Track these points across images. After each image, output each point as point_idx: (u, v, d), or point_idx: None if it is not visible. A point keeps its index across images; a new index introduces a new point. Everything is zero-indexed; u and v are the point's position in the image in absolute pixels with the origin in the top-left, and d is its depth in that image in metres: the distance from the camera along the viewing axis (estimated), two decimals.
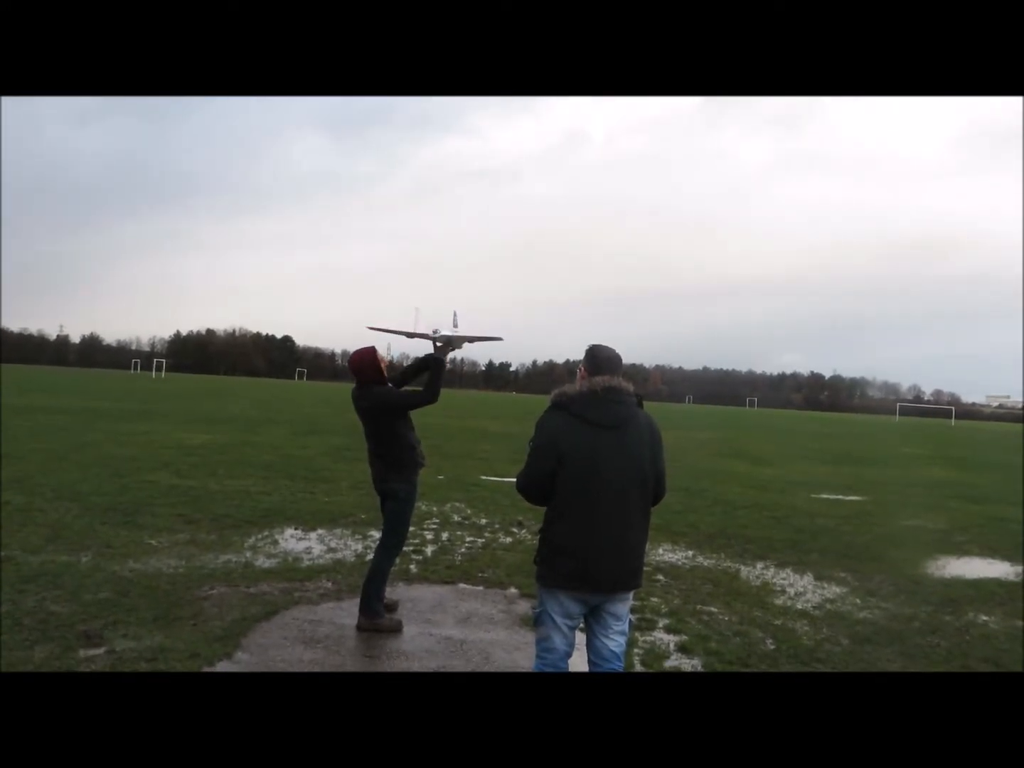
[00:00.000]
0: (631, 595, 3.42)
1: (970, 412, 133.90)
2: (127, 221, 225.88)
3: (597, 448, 3.14)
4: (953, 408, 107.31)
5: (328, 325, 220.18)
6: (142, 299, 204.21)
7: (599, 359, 3.30)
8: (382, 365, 5.29)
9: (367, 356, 5.27)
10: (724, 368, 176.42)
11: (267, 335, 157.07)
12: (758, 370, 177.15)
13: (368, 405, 5.24)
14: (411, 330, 5.17)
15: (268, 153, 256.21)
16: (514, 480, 3.43)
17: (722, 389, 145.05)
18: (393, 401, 5.27)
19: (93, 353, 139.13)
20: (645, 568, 7.00)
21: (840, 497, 13.46)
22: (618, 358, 3.35)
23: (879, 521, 11.04)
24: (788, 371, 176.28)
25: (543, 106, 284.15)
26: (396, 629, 5.20)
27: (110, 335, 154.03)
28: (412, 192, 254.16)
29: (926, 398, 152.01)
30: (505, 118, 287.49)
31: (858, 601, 6.60)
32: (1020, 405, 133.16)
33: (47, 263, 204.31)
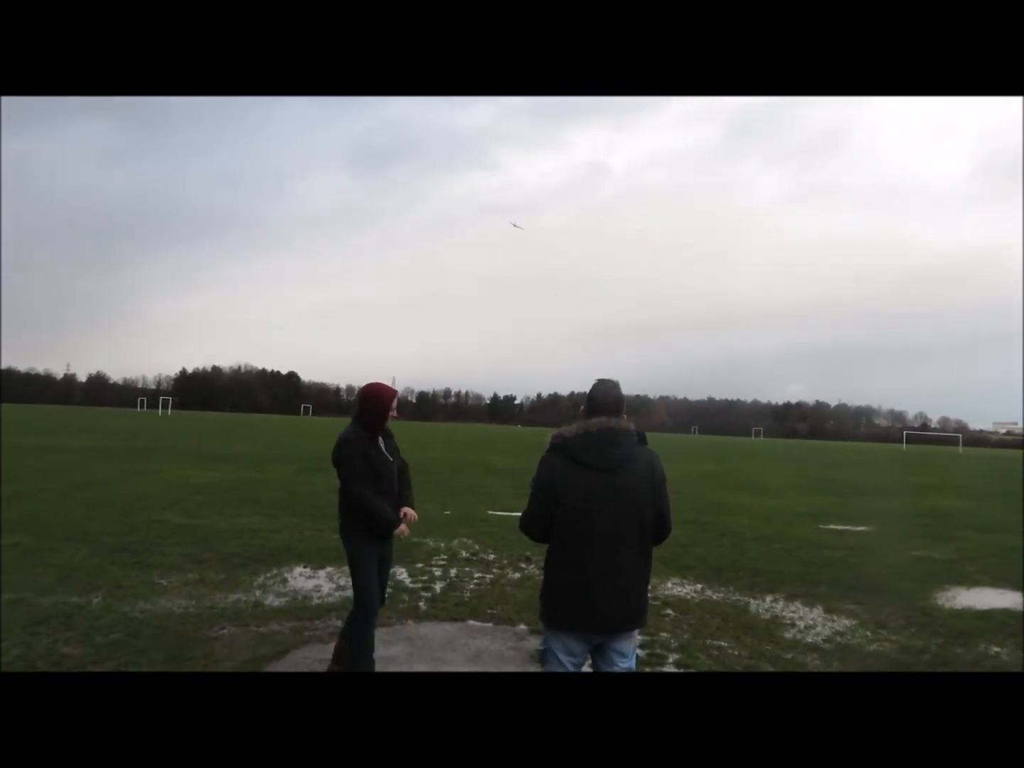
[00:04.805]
0: (636, 632, 3.43)
1: (977, 439, 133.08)
2: (139, 260, 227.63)
3: (592, 491, 3.16)
4: (960, 435, 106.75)
5: (334, 360, 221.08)
6: (149, 337, 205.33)
7: (596, 399, 3.31)
8: None
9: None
10: (729, 398, 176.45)
11: (272, 371, 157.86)
12: (763, 400, 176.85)
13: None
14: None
15: (290, 190, 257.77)
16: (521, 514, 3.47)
17: (727, 420, 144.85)
18: None
19: (99, 391, 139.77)
20: (654, 603, 7.07)
21: (848, 528, 13.40)
22: (618, 397, 3.34)
23: (888, 552, 11.01)
24: (793, 400, 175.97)
25: (565, 140, 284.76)
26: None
27: (116, 373, 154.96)
28: (431, 226, 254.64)
29: (933, 426, 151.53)
30: (528, 152, 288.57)
31: (868, 634, 6.58)
32: None
33: (59, 302, 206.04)
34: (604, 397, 3.33)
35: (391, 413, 4.78)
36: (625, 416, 3.33)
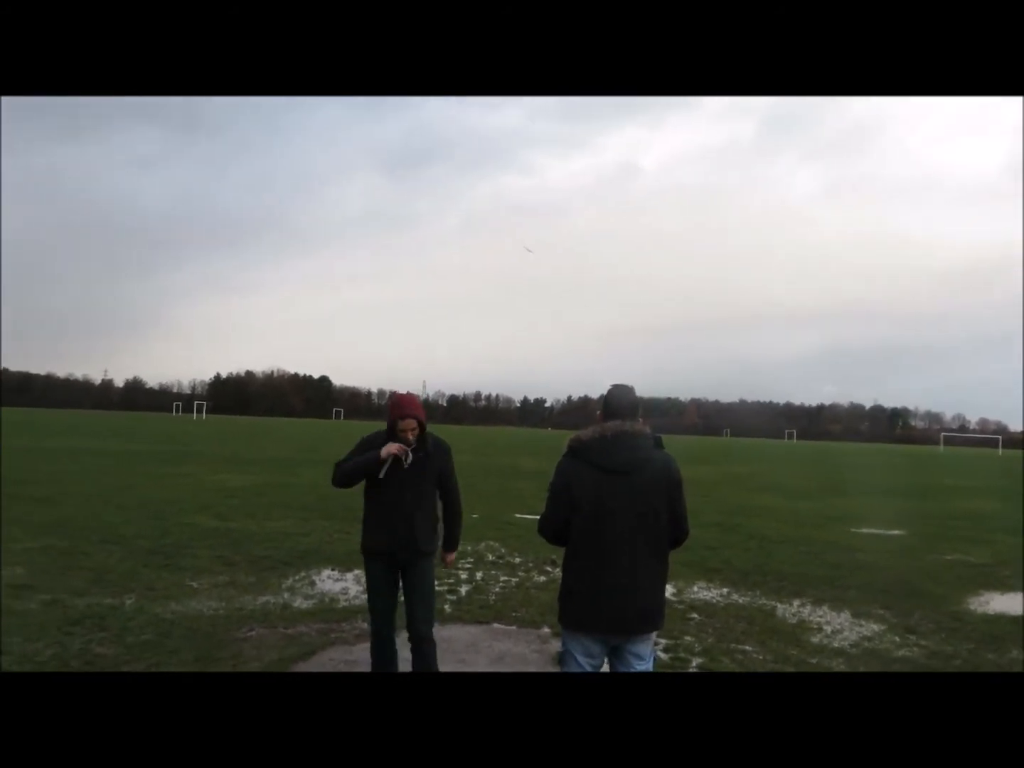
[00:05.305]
0: (654, 634, 3.45)
1: (1018, 441, 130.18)
2: (175, 265, 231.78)
3: (607, 494, 3.20)
4: (1000, 437, 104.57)
5: (366, 364, 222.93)
6: (184, 342, 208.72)
7: (612, 404, 3.36)
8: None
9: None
10: (761, 400, 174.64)
11: (304, 375, 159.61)
12: (796, 401, 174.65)
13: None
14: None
15: (322, 194, 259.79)
16: None
17: (759, 422, 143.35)
18: None
19: (136, 396, 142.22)
20: (678, 606, 7.08)
21: (880, 531, 13.23)
22: (634, 401, 3.39)
23: (920, 555, 10.84)
24: (827, 402, 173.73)
25: (596, 140, 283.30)
26: None
27: (152, 378, 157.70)
28: (462, 229, 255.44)
29: (971, 427, 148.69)
30: (559, 153, 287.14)
31: (896, 639, 6.50)
32: None
33: (97, 309, 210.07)
34: (619, 401, 3.37)
35: (403, 430, 4.27)
36: (641, 420, 3.36)
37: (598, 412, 3.43)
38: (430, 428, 4.44)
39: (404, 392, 4.54)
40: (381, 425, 4.58)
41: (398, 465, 4.30)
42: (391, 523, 4.35)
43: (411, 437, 4.30)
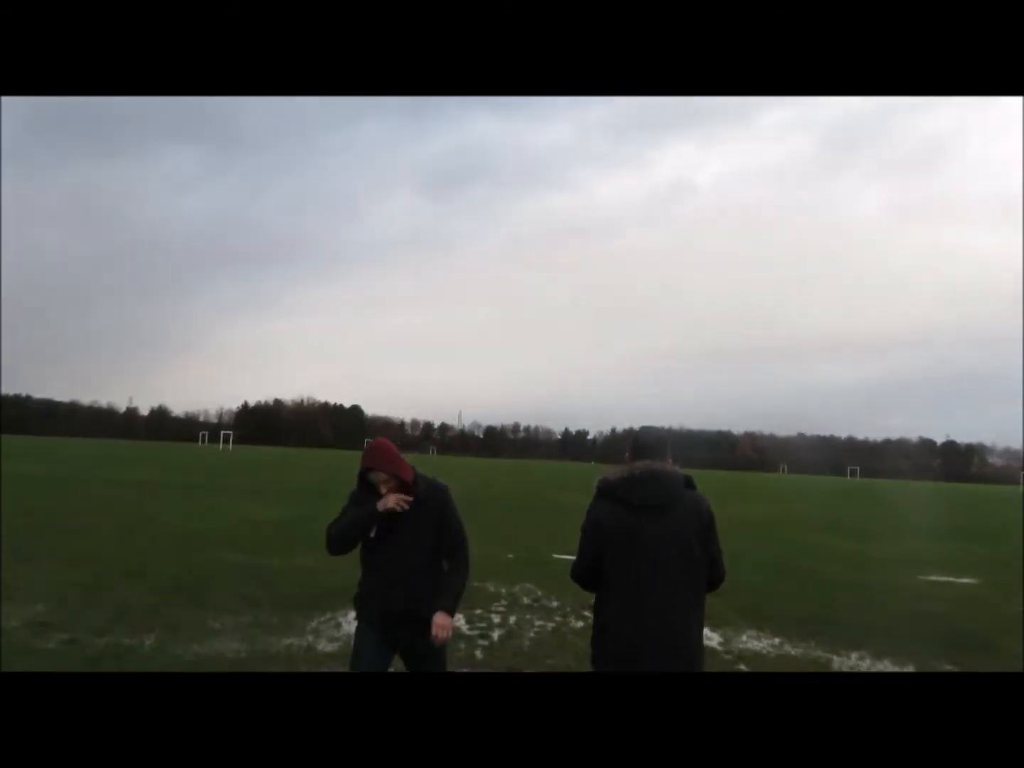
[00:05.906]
0: None
1: None
2: (203, 292, 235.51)
3: (637, 533, 3.27)
4: None
5: (399, 393, 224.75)
6: (211, 370, 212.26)
7: (640, 444, 3.47)
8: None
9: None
10: (821, 434, 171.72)
11: (335, 404, 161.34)
12: (859, 436, 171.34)
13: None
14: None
15: (360, 217, 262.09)
16: None
17: (820, 457, 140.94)
18: None
19: (162, 425, 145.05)
20: (726, 656, 6.99)
21: (951, 579, 12.91)
22: (663, 440, 3.50)
23: (993, 606, 10.55)
24: (894, 437, 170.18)
25: (648, 157, 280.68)
26: None
27: (178, 407, 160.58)
28: (507, 250, 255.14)
29: None
30: (608, 171, 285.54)
31: None
32: None
33: (123, 335, 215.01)
34: (648, 441, 3.49)
35: (374, 483, 3.92)
36: (670, 460, 3.43)
37: (627, 453, 3.52)
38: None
39: (378, 438, 4.07)
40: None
41: (387, 520, 3.88)
42: (381, 590, 3.91)
43: (384, 490, 3.90)
